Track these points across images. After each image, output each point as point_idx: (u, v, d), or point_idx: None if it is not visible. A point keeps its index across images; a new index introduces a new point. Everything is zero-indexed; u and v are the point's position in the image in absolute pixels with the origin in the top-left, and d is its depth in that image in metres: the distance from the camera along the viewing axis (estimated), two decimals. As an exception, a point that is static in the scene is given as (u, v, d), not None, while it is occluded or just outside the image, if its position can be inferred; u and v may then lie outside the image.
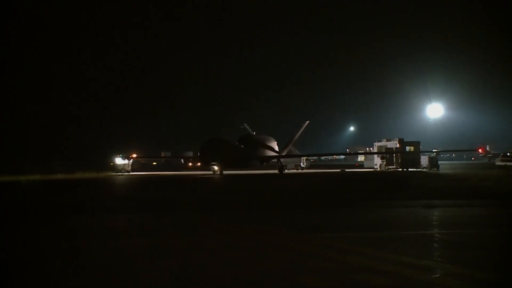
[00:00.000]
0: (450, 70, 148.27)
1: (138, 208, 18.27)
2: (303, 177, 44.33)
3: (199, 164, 63.62)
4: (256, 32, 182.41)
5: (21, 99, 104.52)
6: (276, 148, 61.74)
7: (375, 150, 63.03)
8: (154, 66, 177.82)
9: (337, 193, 24.22)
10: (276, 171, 57.20)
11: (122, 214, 16.67)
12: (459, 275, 7.56)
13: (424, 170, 54.67)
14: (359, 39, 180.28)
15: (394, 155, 58.85)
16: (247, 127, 65.97)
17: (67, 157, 74.27)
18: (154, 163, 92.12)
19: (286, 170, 61.30)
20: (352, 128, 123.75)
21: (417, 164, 56.64)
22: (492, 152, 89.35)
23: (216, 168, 52.63)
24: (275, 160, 60.41)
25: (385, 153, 59.49)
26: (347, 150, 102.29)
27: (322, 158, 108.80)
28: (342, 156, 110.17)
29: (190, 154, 72.60)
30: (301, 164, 66.55)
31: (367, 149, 75.74)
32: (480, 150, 70.17)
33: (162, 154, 79.93)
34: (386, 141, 61.38)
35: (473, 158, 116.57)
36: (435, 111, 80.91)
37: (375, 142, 63.98)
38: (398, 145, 58.49)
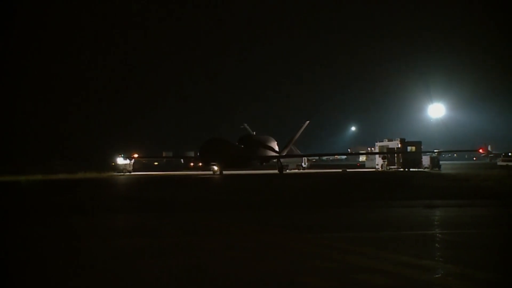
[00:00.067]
0: (452, 70, 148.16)
1: (138, 208, 18.27)
2: (304, 177, 44.30)
3: (200, 164, 63.64)
4: (256, 32, 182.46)
5: (21, 99, 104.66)
6: (276, 148, 61.71)
7: (377, 150, 62.96)
8: (154, 66, 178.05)
9: (338, 193, 24.18)
10: (276, 171, 57.17)
11: (123, 214, 16.67)
12: (460, 275, 7.54)
13: (425, 170, 54.61)
14: (359, 39, 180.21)
15: (395, 155, 58.80)
16: (247, 127, 65.97)
17: (67, 157, 74.41)
18: (156, 163, 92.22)
19: (287, 170, 61.29)
20: (353, 128, 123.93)
21: (418, 164, 56.57)
22: (493, 152, 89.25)
23: (216, 168, 52.60)
24: (275, 160, 60.39)
25: (387, 153, 59.44)
26: (349, 150, 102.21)
27: (324, 158, 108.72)
28: (344, 156, 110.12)
29: (191, 154, 72.62)
30: (303, 164, 66.52)
31: (369, 149, 75.64)
32: (481, 150, 70.05)
33: (164, 154, 80.00)
34: (388, 141, 61.33)
35: (474, 158, 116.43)
36: (436, 111, 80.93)
37: (376, 142, 63.91)
38: (399, 145, 58.42)
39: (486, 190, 23.32)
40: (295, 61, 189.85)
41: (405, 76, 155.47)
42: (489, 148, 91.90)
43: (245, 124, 66.70)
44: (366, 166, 68.69)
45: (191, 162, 72.87)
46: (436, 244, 10.21)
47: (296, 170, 63.78)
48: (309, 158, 70.94)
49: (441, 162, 59.47)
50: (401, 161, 57.99)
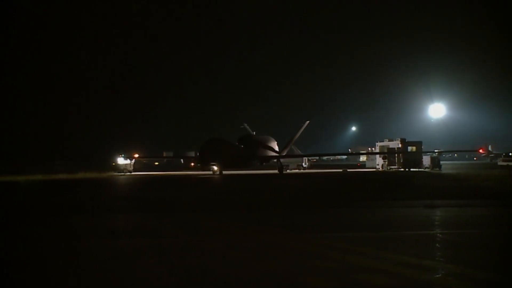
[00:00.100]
0: (452, 70, 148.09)
1: (138, 208, 18.27)
2: (304, 177, 44.29)
3: (199, 164, 63.65)
4: (256, 32, 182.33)
5: (21, 99, 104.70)
6: (276, 148, 61.70)
7: (377, 150, 62.95)
8: (154, 66, 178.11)
9: (338, 193, 24.17)
10: (276, 171, 57.15)
11: (123, 214, 16.67)
12: (460, 275, 7.53)
13: (426, 170, 54.60)
14: (359, 39, 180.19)
15: (396, 155, 58.81)
16: (247, 127, 65.98)
17: (68, 157, 74.48)
18: (156, 163, 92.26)
19: (288, 170, 61.28)
20: (354, 128, 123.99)
21: (419, 164, 56.56)
22: (494, 152, 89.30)
23: (215, 168, 52.56)
24: (275, 160, 60.38)
25: (387, 153, 59.44)
26: (349, 150, 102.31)
27: (324, 158, 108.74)
28: (344, 156, 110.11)
29: (192, 154, 72.63)
30: (303, 164, 66.50)
31: (369, 149, 75.68)
32: (481, 151, 70.03)
33: (164, 154, 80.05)
34: (388, 141, 61.33)
35: (475, 158, 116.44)
36: (437, 111, 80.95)
37: (377, 142, 63.92)
38: (400, 145, 58.42)
39: (487, 190, 23.30)
40: (295, 61, 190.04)
41: (405, 76, 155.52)
42: (490, 148, 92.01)
43: (245, 124, 66.72)
44: (367, 166, 68.67)
45: (191, 162, 72.86)
46: (436, 244, 10.21)
47: (297, 170, 63.76)
48: (309, 158, 70.91)
49: (441, 162, 59.45)
50: (401, 161, 57.99)
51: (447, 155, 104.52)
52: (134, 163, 63.24)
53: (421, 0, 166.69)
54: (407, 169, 55.68)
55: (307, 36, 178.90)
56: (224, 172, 53.44)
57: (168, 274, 7.93)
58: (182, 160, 75.35)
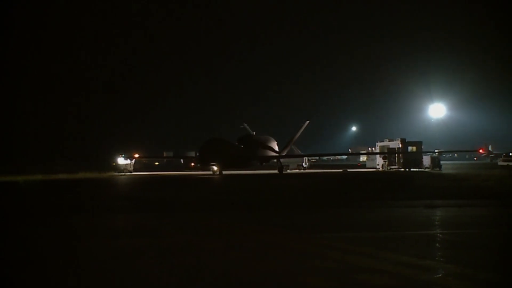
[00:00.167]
0: (452, 70, 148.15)
1: (138, 208, 18.27)
2: (304, 177, 44.29)
3: (199, 164, 63.66)
4: (256, 32, 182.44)
5: (21, 99, 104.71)
6: (276, 148, 61.69)
7: (377, 150, 62.97)
8: (154, 66, 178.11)
9: (338, 193, 24.17)
10: (276, 171, 57.13)
11: (123, 214, 16.67)
12: (460, 275, 7.54)
13: (426, 170, 54.60)
14: (359, 39, 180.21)
15: (396, 155, 58.82)
16: (247, 127, 65.98)
17: (68, 157, 74.49)
18: (156, 163, 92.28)
19: (288, 170, 61.27)
20: (354, 128, 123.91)
21: (419, 164, 56.57)
22: (494, 152, 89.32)
23: (215, 168, 52.54)
24: (275, 160, 60.36)
25: (387, 153, 59.44)
26: (349, 150, 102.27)
27: (325, 158, 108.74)
28: (344, 156, 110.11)
29: (192, 154, 72.65)
30: (303, 164, 66.50)
31: (369, 149, 75.72)
32: (481, 151, 70.03)
33: (165, 154, 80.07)
34: (388, 141, 61.34)
35: (475, 158, 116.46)
36: (437, 111, 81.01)
37: (377, 142, 63.94)
38: (400, 145, 58.43)
39: (487, 190, 23.31)
40: (295, 61, 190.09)
41: (405, 76, 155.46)
42: (490, 148, 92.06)
43: (245, 124, 66.73)
44: (367, 166, 68.68)
45: (191, 162, 72.89)
46: (436, 244, 10.20)
47: (297, 170, 63.75)
48: (310, 158, 70.90)
49: (441, 162, 59.46)
50: (401, 161, 58.01)
51: (447, 155, 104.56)
52: (134, 163, 63.27)
53: (421, 0, 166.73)
54: (407, 169, 55.70)
55: (307, 36, 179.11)
56: (224, 172, 53.43)
57: (168, 274, 7.93)
58: (182, 160, 75.33)
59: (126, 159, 61.56)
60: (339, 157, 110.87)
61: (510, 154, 59.32)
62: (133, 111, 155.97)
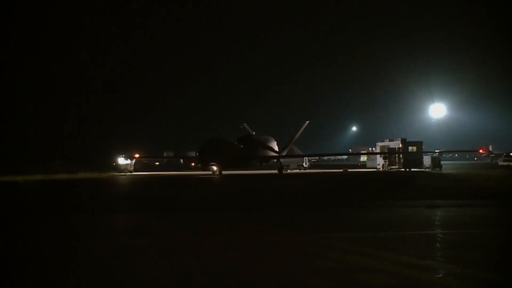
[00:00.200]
0: (452, 70, 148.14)
1: (138, 208, 18.27)
2: (304, 177, 44.28)
3: (199, 164, 63.68)
4: (256, 32, 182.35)
5: (21, 99, 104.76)
6: (276, 148, 61.69)
7: (378, 150, 62.98)
8: (154, 66, 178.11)
9: (338, 193, 24.16)
10: (276, 171, 57.11)
11: (123, 214, 16.66)
12: (460, 275, 7.53)
13: (426, 170, 54.60)
14: (359, 39, 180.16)
15: (396, 155, 58.82)
16: (247, 127, 65.99)
17: (68, 157, 74.55)
18: (157, 163, 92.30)
19: (288, 170, 61.27)
20: (354, 128, 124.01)
21: (419, 164, 56.59)
22: (494, 152, 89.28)
23: (215, 168, 52.55)
24: (275, 160, 60.34)
25: (388, 153, 59.44)
26: (350, 150, 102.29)
27: (325, 158, 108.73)
28: (345, 156, 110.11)
29: (192, 154, 72.66)
30: (304, 164, 66.50)
31: (370, 149, 75.73)
32: (481, 151, 70.01)
33: (165, 154, 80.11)
34: (389, 141, 61.35)
35: (475, 158, 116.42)
36: (437, 111, 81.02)
37: (377, 142, 63.96)
38: (400, 145, 58.44)
39: (487, 190, 23.30)
40: (295, 61, 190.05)
41: (405, 76, 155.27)
42: (490, 148, 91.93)
43: (245, 124, 66.75)
44: (367, 166, 68.68)
45: (191, 162, 72.91)
46: (437, 244, 10.19)
47: (297, 170, 63.75)
48: (310, 158, 70.91)
49: (442, 162, 59.47)
50: (402, 161, 58.02)
51: (448, 155, 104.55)
52: (134, 163, 63.30)
53: (421, 0, 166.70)
54: (407, 169, 55.71)
55: (307, 36, 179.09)
56: (224, 172, 53.42)
57: (168, 274, 7.93)
58: (182, 160, 75.34)
59: (126, 159, 61.59)
60: (339, 157, 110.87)
61: (511, 154, 59.28)
62: (133, 111, 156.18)
